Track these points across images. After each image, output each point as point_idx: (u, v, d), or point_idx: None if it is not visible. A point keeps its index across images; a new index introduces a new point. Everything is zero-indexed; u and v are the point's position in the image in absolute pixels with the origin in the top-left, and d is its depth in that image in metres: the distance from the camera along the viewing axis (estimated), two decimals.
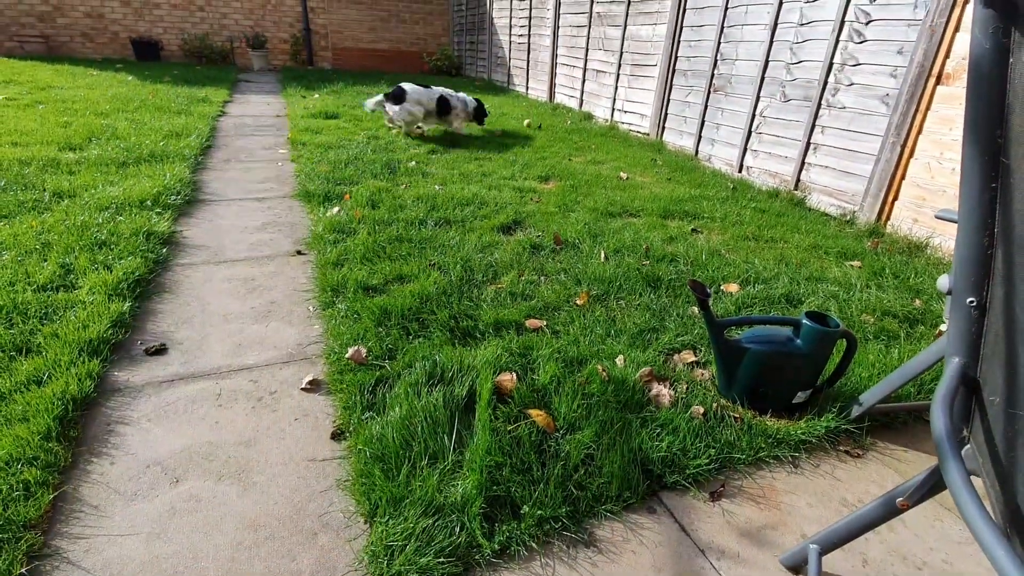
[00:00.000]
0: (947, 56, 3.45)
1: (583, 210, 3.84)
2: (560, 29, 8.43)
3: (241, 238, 3.19)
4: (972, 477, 0.82)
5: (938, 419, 0.81)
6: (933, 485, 1.13)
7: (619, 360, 2.12)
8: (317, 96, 8.26)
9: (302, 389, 1.93)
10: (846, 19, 4.03)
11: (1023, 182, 0.78)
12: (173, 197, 3.57)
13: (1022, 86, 0.77)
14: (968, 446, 0.99)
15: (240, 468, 1.60)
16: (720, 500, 1.63)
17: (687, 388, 2.03)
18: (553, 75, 8.89)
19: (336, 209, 3.55)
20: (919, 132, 3.63)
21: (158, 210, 3.31)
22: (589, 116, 7.67)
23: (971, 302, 0.89)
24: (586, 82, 7.85)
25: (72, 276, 2.47)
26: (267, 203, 3.81)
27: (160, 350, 2.09)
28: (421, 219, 3.42)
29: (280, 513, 1.47)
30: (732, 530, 1.54)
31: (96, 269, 2.52)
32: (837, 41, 4.10)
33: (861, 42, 3.95)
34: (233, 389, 1.92)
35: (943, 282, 0.99)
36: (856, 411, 1.91)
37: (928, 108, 3.57)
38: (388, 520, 1.42)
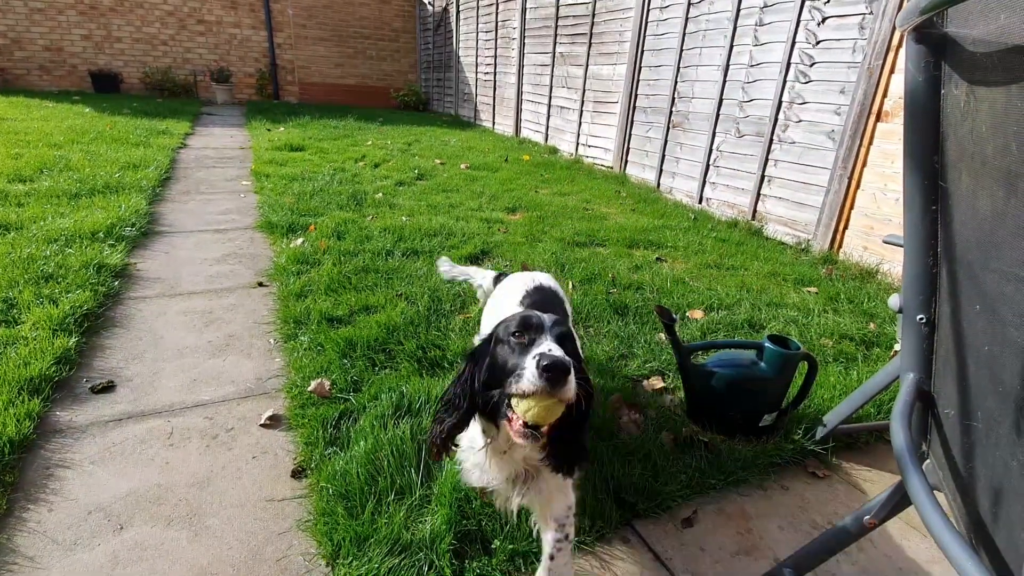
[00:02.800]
0: (885, 95, 3.69)
1: (550, 240, 3.89)
2: (525, 68, 8.69)
3: (199, 270, 3.09)
4: (936, 493, 0.83)
5: (898, 434, 0.82)
6: (898, 502, 1.14)
7: None
8: (283, 129, 8.23)
9: (261, 425, 1.85)
10: (792, 61, 4.29)
11: (960, 203, 0.82)
12: (128, 229, 3.45)
13: (954, 115, 0.82)
14: (928, 460, 1.01)
15: (192, 512, 1.50)
16: (693, 527, 1.61)
17: (656, 414, 2.03)
18: (519, 111, 9.12)
19: (300, 240, 3.49)
20: (864, 165, 3.84)
21: (111, 242, 3.19)
22: (554, 150, 7.85)
23: (921, 319, 0.93)
24: (551, 118, 8.06)
25: (15, 311, 2.33)
26: (228, 234, 3.72)
27: (107, 387, 1.97)
28: (388, 250, 3.39)
29: (235, 559, 1.38)
30: (706, 557, 1.52)
31: (41, 303, 2.38)
32: (785, 81, 4.35)
33: (807, 82, 4.20)
34: (186, 427, 1.82)
35: (894, 301, 1.02)
36: (821, 432, 1.94)
37: (871, 143, 3.80)
38: (351, 562, 1.34)
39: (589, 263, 3.42)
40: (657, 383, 2.25)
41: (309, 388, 1.95)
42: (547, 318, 1.13)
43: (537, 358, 1.00)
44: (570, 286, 3.05)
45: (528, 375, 1.00)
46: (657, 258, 3.74)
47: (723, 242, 4.20)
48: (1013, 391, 0.57)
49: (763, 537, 1.60)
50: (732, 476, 1.79)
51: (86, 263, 2.81)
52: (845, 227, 4.01)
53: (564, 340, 1.10)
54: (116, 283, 2.78)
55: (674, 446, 1.87)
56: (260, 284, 2.94)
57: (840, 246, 4.05)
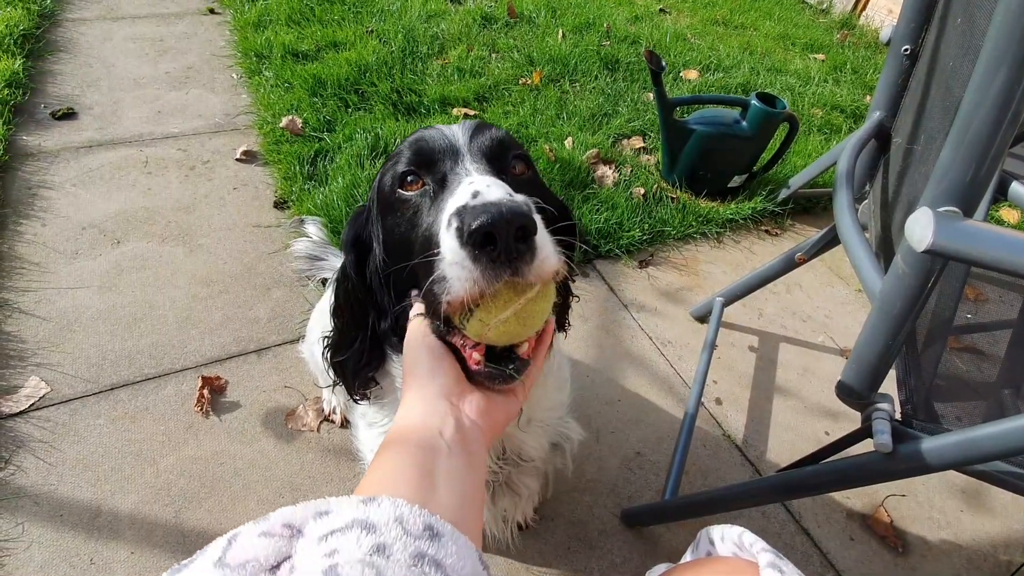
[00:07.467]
0: None
1: None
2: None
3: None
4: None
5: (843, 161, 0.87)
6: (829, 241, 1.26)
7: (568, 142, 2.10)
8: None
9: (236, 159, 1.85)
10: None
11: None
12: None
13: None
14: (867, 200, 1.09)
15: (183, 232, 1.60)
16: (647, 267, 1.79)
17: (631, 171, 2.07)
18: None
19: None
20: None
21: None
22: None
23: (906, 50, 0.89)
24: None
25: None
26: None
27: (69, 114, 1.90)
28: None
29: (231, 272, 1.52)
30: (653, 291, 1.72)
31: None
32: None
33: None
34: (161, 157, 1.82)
35: (885, 33, 0.97)
36: (784, 193, 2.02)
37: None
38: None
39: (583, 9, 3.07)
40: (637, 143, 2.24)
41: (281, 124, 1.90)
42: (461, 129, 0.61)
43: (455, 217, 0.47)
44: (560, 33, 2.78)
45: (449, 261, 0.47)
46: (661, 9, 3.35)
47: None
48: (956, 102, 0.59)
49: (707, 278, 1.80)
50: (691, 229, 1.92)
51: None
52: None
53: (505, 158, 0.60)
54: (48, 1, 2.45)
55: (643, 200, 1.96)
56: (212, 11, 2.62)
57: (864, 8, 3.64)
